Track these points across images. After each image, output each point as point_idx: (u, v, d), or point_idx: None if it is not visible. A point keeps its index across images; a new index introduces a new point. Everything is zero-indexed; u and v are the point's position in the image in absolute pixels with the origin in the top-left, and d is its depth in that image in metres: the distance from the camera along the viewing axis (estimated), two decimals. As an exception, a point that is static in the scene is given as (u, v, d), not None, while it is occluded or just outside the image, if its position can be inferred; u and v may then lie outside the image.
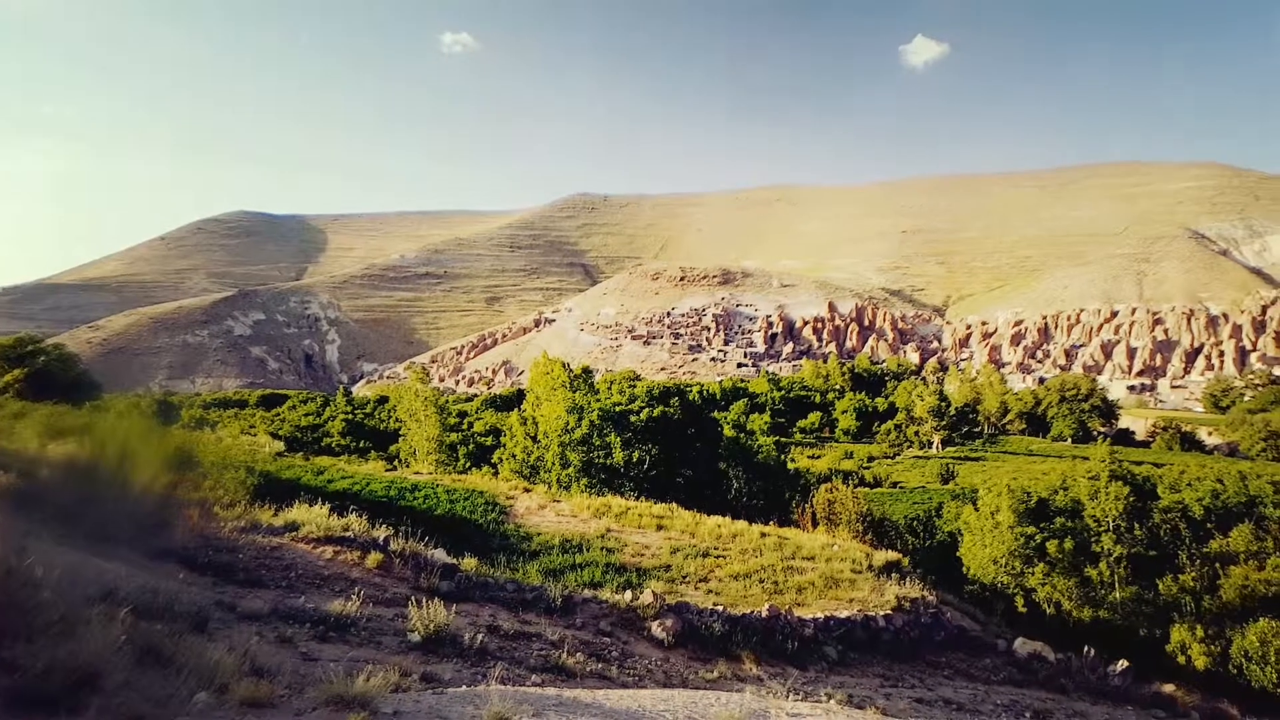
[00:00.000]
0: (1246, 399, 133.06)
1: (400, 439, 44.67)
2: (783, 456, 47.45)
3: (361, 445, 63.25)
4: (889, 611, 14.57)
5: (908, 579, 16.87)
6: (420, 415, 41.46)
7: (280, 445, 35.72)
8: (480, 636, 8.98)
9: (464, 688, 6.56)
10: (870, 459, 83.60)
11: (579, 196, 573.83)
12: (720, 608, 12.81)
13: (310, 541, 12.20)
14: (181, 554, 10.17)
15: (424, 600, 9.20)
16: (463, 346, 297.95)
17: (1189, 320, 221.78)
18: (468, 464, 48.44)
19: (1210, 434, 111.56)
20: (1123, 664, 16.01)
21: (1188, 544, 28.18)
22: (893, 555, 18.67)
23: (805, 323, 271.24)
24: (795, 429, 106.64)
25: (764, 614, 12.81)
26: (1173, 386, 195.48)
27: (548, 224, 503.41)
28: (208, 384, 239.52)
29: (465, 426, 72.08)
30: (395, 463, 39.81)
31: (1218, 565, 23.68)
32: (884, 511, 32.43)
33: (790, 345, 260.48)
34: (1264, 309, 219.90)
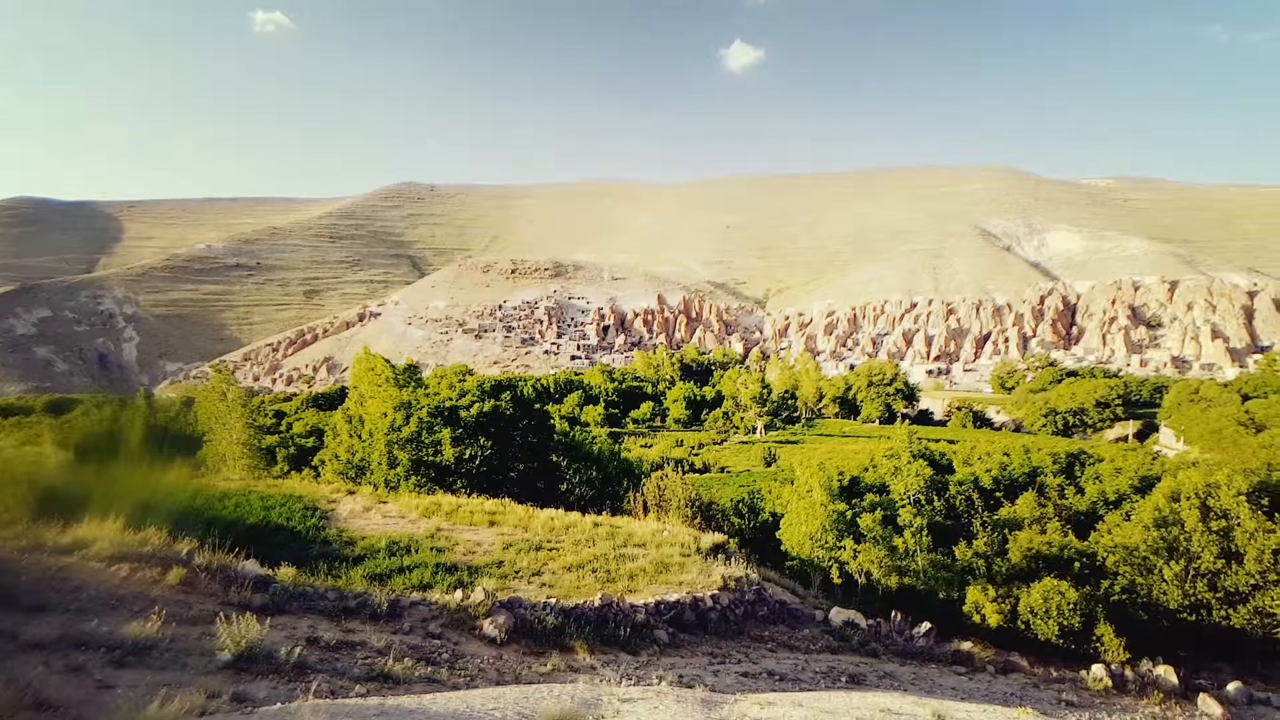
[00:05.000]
0: (1029, 380, 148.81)
1: (207, 444, 41.51)
2: (616, 447, 48.15)
3: (166, 452, 58.21)
4: (716, 591, 15.11)
5: (733, 559, 17.62)
6: (227, 419, 38.61)
7: (69, 455, 32.29)
8: (298, 650, 8.50)
9: (277, 705, 6.20)
10: (699, 446, 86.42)
11: (404, 185, 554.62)
12: (553, 600, 12.82)
13: (103, 560, 11.07)
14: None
15: (234, 615, 8.60)
16: (279, 343, 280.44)
17: (978, 310, 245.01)
18: (287, 468, 45.72)
19: (998, 412, 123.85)
20: (926, 625, 17.47)
21: (980, 512, 31.17)
22: (719, 537, 19.39)
23: (636, 315, 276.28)
24: (628, 419, 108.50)
25: (597, 603, 12.95)
26: (965, 370, 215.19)
27: (371, 213, 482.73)
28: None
29: (284, 428, 68.05)
30: (204, 470, 36.94)
31: (1006, 531, 26.18)
32: (712, 496, 33.61)
33: (622, 337, 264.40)
34: (1042, 299, 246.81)
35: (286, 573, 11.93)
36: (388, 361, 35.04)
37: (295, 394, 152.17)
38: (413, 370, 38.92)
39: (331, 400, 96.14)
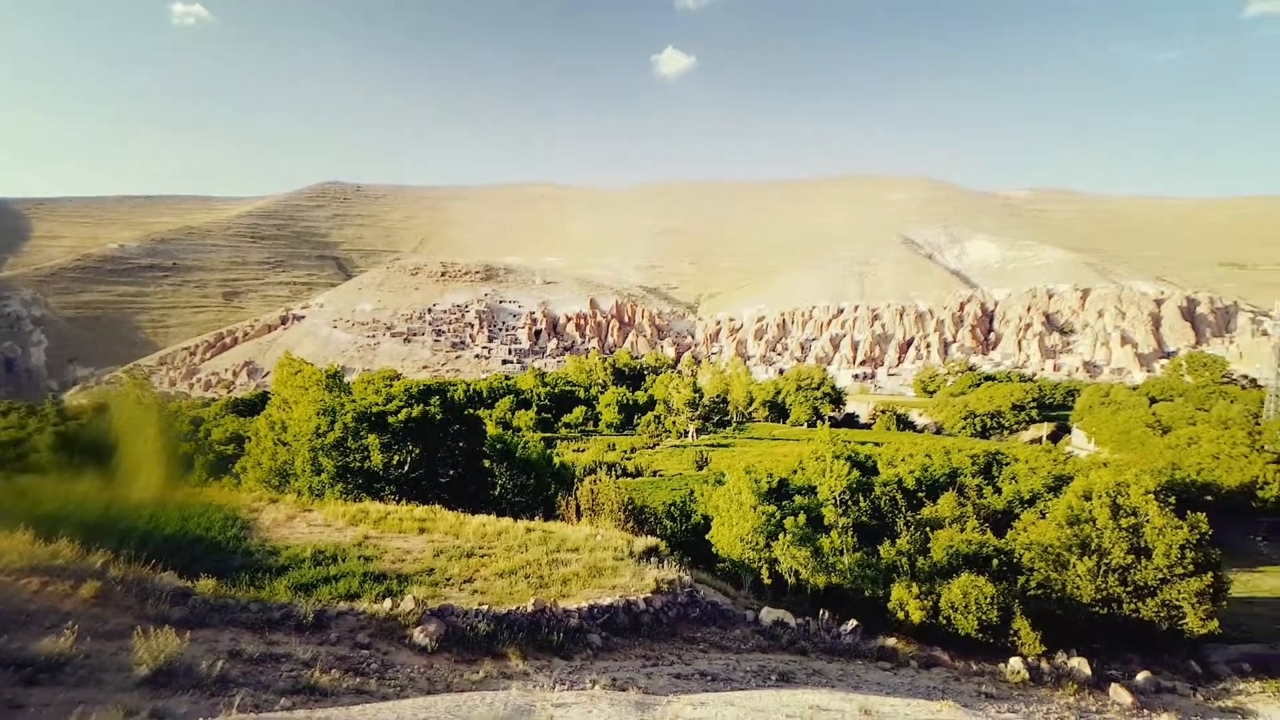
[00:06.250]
0: (949, 384, 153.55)
1: (121, 452, 39.67)
2: (549, 451, 47.91)
3: (77, 461, 55.56)
4: (649, 594, 15.19)
5: (666, 562, 17.75)
6: (142, 426, 36.98)
7: (-30, 466, 30.66)
8: (220, 663, 8.24)
9: (199, 720, 6.02)
10: (632, 450, 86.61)
11: (329, 185, 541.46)
12: (485, 607, 12.70)
13: (11, 574, 10.52)
14: None
15: (152, 630, 8.29)
16: (197, 346, 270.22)
17: (901, 316, 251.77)
18: (206, 476, 44.04)
19: (920, 415, 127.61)
20: (853, 623, 17.90)
21: (904, 512, 32.01)
22: (652, 541, 19.50)
23: (569, 319, 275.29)
24: (561, 424, 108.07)
25: (529, 609, 12.87)
26: (889, 374, 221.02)
27: (294, 213, 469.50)
28: None
29: (202, 435, 65.67)
30: (118, 479, 35.31)
31: (928, 529, 26.98)
32: (644, 500, 33.77)
33: (554, 341, 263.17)
34: (962, 306, 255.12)
35: (206, 585, 11.54)
36: (307, 363, 34.16)
37: (214, 399, 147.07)
38: (338, 375, 38.03)
39: (252, 406, 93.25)
